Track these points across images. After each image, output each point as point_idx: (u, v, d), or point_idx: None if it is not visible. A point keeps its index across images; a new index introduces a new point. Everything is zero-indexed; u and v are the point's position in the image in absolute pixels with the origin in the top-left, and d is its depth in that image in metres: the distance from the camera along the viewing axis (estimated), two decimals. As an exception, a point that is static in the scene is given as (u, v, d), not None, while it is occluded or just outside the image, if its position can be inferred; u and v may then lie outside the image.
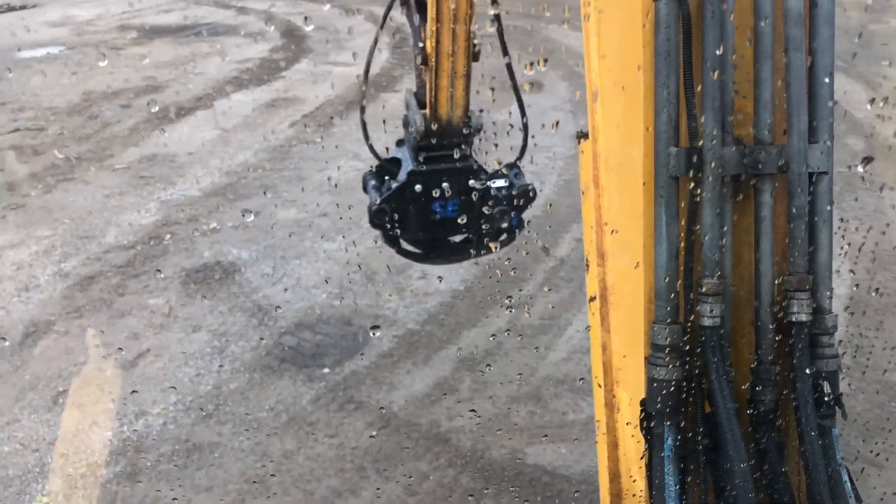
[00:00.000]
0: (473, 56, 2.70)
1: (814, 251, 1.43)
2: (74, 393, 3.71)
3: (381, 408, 3.60)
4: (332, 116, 7.05)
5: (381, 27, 3.01)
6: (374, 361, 3.95)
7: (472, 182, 2.84)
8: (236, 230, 5.18)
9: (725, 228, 1.40)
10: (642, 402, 1.46)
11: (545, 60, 8.69)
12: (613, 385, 1.57)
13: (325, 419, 3.55)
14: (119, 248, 4.96)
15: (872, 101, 7.37)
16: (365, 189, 3.00)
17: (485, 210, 2.87)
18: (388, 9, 2.97)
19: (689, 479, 1.45)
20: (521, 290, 4.52)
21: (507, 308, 4.35)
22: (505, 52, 2.73)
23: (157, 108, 7.39)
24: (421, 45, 2.73)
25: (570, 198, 5.56)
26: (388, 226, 2.82)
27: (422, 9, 2.75)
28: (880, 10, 10.12)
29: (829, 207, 1.43)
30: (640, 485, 1.53)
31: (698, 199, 1.38)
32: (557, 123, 6.19)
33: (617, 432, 1.59)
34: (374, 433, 3.45)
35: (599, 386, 1.59)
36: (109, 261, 4.82)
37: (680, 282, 1.40)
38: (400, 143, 3.08)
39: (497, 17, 2.67)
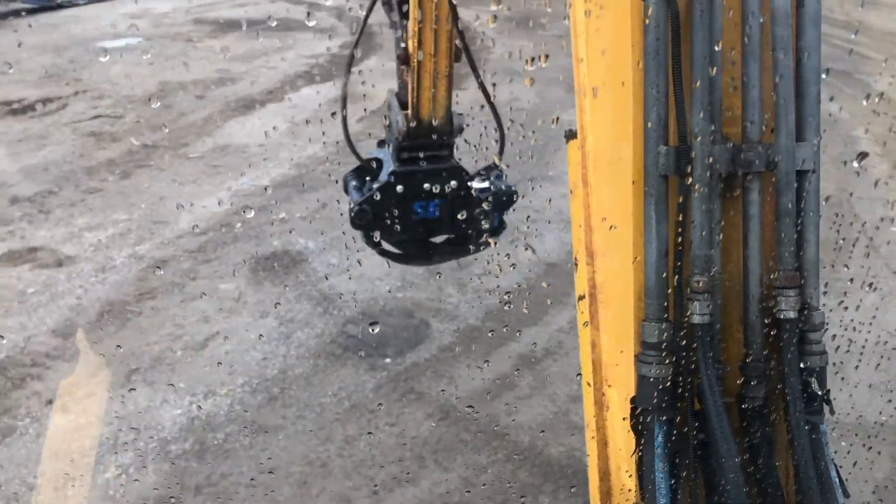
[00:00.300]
0: (455, 56, 2.71)
1: (802, 248, 1.45)
2: (146, 371, 3.85)
3: (441, 400, 3.65)
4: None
5: (363, 27, 3.00)
6: (435, 354, 4.00)
7: (453, 183, 2.84)
8: (304, 220, 5.30)
9: (715, 226, 1.41)
10: (633, 400, 1.47)
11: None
12: (603, 383, 1.58)
13: (386, 408, 3.61)
14: (191, 234, 5.11)
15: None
16: (346, 190, 3.01)
17: (467, 211, 2.87)
18: (370, 8, 2.96)
19: (680, 476, 1.46)
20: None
21: (574, 304, 4.36)
22: (475, 71, 2.74)
23: (229, 101, 7.59)
24: (403, 45, 2.75)
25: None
26: (370, 226, 2.83)
27: (403, 9, 2.76)
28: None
29: (816, 205, 1.45)
30: (631, 483, 1.54)
31: (688, 197, 1.40)
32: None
33: (607, 430, 1.59)
34: (433, 424, 3.50)
35: (589, 384, 1.60)
36: (182, 246, 4.97)
37: (670, 279, 1.42)
38: (381, 143, 3.10)
39: (461, 36, 2.67)
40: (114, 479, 3.23)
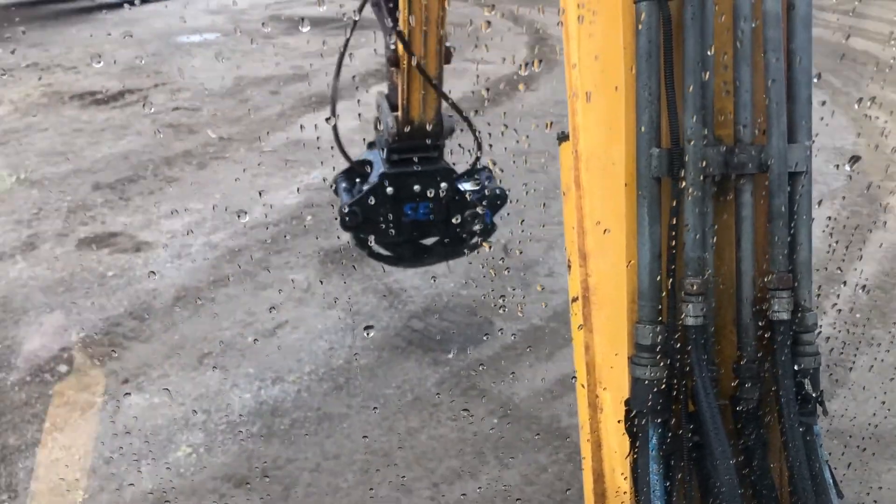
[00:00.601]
0: (445, 58, 2.69)
1: (794, 250, 1.44)
2: (218, 355, 3.98)
3: (503, 397, 3.68)
4: (471, 112, 7.18)
5: (353, 29, 2.99)
6: (498, 352, 4.02)
7: (443, 185, 2.82)
8: (372, 216, 5.38)
9: (708, 228, 1.41)
10: (627, 402, 1.47)
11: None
12: (597, 385, 1.58)
13: (448, 402, 3.65)
14: (264, 225, 5.25)
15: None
16: (336, 191, 3.02)
17: (457, 213, 2.85)
18: (361, 8, 2.96)
19: (674, 478, 1.46)
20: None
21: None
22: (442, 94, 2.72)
23: (302, 96, 7.74)
24: (392, 47, 2.74)
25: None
26: (360, 228, 2.82)
27: (393, 11, 2.75)
28: None
29: (808, 206, 1.44)
30: (625, 484, 1.54)
31: (681, 199, 1.39)
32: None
33: (601, 432, 1.60)
34: (495, 421, 3.53)
35: (583, 386, 1.60)
36: (254, 236, 5.11)
37: (663, 281, 1.42)
38: (371, 145, 3.10)
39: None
40: (184, 457, 3.35)
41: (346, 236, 5.10)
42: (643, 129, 1.39)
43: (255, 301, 4.41)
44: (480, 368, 3.88)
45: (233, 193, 5.73)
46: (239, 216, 5.29)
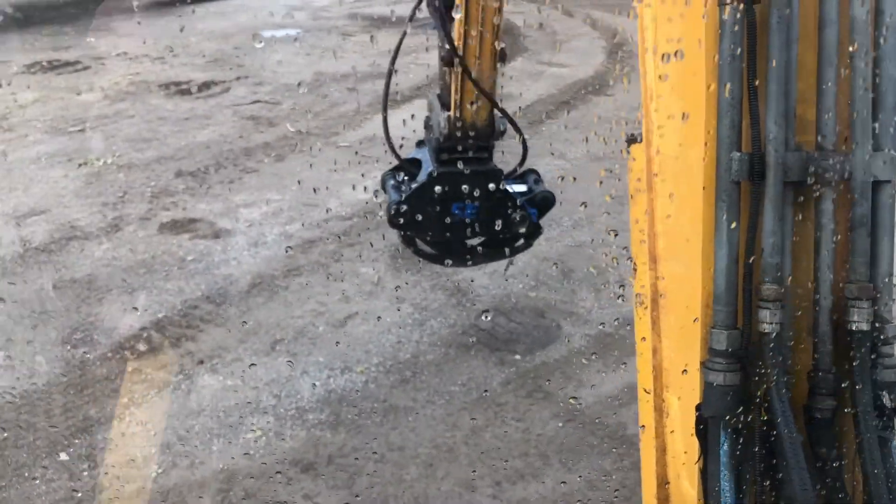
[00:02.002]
0: (500, 58, 2.66)
1: (875, 260, 1.41)
2: (290, 343, 4.07)
3: (570, 401, 3.67)
4: (543, 114, 7.17)
5: (405, 32, 2.99)
6: (565, 356, 4.01)
7: (491, 186, 2.80)
8: (444, 214, 5.42)
9: (786, 234, 1.39)
10: (698, 408, 1.45)
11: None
12: (664, 389, 1.56)
13: (514, 403, 3.66)
14: (338, 218, 5.34)
15: None
16: (384, 188, 3.03)
17: (505, 214, 2.82)
18: (416, 7, 2.95)
19: (745, 486, 1.43)
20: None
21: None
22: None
23: (379, 94, 7.84)
24: (446, 46, 2.72)
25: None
26: (407, 226, 2.82)
27: (448, 9, 2.74)
28: None
29: (891, 216, 1.41)
30: (690, 490, 1.51)
31: (760, 204, 1.37)
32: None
33: (666, 437, 1.57)
34: (559, 424, 3.53)
35: (646, 391, 1.58)
36: (329, 228, 5.21)
37: (739, 286, 1.39)
38: (420, 143, 3.10)
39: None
40: (254, 440, 3.44)
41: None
42: (724, 132, 1.39)
43: (327, 291, 4.50)
44: (547, 371, 3.88)
45: (309, 186, 5.84)
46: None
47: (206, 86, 8.15)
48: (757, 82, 1.36)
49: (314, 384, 3.76)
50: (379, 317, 4.27)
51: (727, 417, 1.43)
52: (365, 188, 5.82)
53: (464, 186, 2.82)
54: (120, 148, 6.53)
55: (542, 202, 2.89)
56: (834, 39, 1.37)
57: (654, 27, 1.45)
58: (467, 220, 2.88)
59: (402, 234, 2.94)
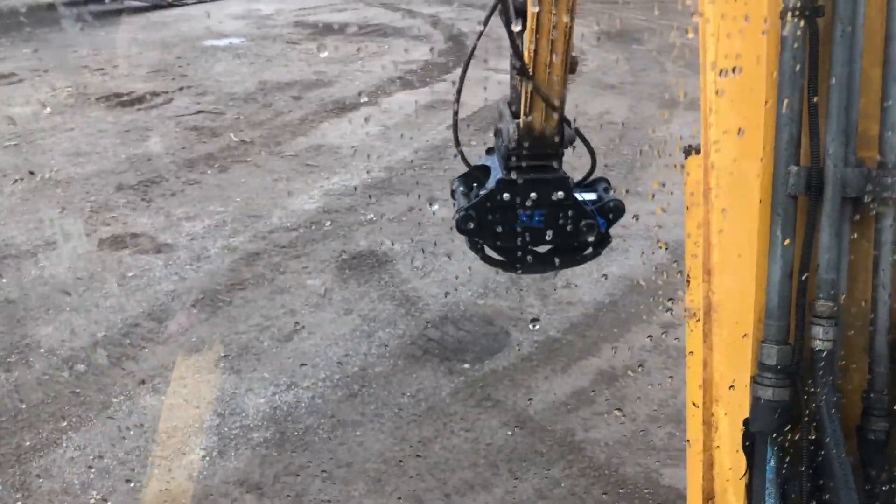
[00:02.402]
0: (571, 68, 2.68)
1: None
2: (234, 359, 3.99)
3: (518, 409, 3.66)
4: (490, 123, 7.16)
5: (478, 38, 3.00)
6: (514, 363, 4.00)
7: (560, 194, 2.83)
8: (391, 222, 5.38)
9: (843, 250, 1.38)
10: (746, 422, 1.45)
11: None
12: (713, 403, 1.56)
13: (463, 412, 3.64)
14: (283, 229, 5.27)
15: None
16: (453, 195, 3.05)
17: (573, 223, 2.85)
18: (489, 15, 2.97)
19: (790, 502, 1.43)
20: (669, 312, 4.45)
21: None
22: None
23: (324, 102, 7.77)
24: (519, 54, 2.74)
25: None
26: (474, 232, 2.85)
27: (521, 18, 2.76)
28: None
29: None
30: None
31: (816, 219, 1.37)
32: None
33: (713, 451, 1.57)
34: (509, 433, 3.51)
35: (695, 405, 1.58)
36: (273, 240, 5.13)
37: (793, 301, 1.39)
38: (490, 151, 3.11)
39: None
40: (198, 460, 3.35)
41: (365, 242, 5.12)
42: (783, 146, 1.37)
43: (272, 305, 4.42)
44: (496, 379, 3.86)
45: (253, 197, 5.76)
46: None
47: (147, 97, 7.99)
48: (817, 98, 1.35)
49: (260, 401, 3.69)
50: (326, 329, 4.22)
51: (775, 434, 1.42)
52: (310, 198, 5.76)
53: (532, 194, 2.82)
54: (58, 162, 6.35)
55: (612, 211, 2.90)
56: None
57: (714, 42, 1.43)
58: (535, 228, 2.88)
59: (469, 241, 2.95)
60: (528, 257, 3.07)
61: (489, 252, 3.06)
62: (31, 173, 6.13)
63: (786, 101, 1.35)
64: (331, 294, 4.53)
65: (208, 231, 5.24)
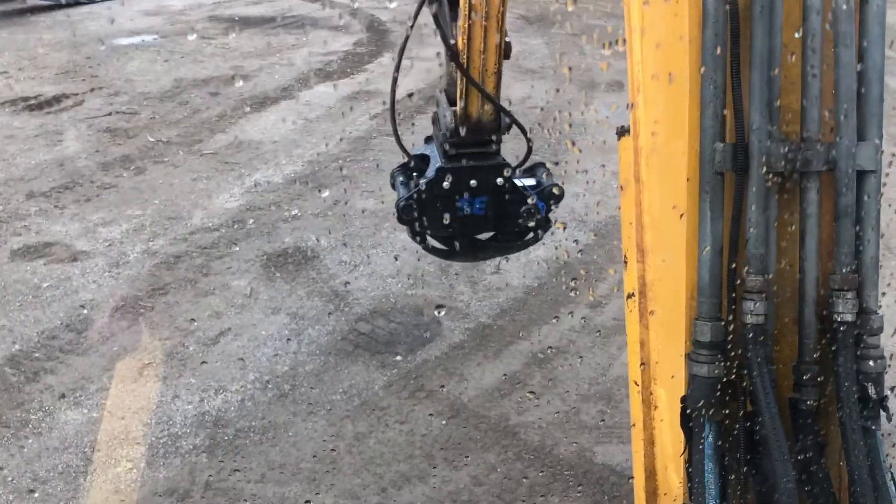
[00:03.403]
0: (504, 53, 2.69)
1: (860, 250, 1.42)
2: (158, 366, 3.87)
3: (451, 398, 3.65)
4: (413, 112, 7.13)
5: (412, 25, 2.99)
6: (446, 352, 3.99)
7: (499, 180, 2.84)
8: (316, 217, 5.30)
9: (771, 225, 1.39)
10: (683, 399, 1.46)
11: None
12: (651, 382, 1.57)
13: (396, 405, 3.61)
14: (204, 230, 5.13)
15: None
16: (393, 185, 3.03)
17: (513, 208, 2.86)
18: (420, 5, 2.96)
19: (729, 477, 1.45)
20: (595, 291, 4.51)
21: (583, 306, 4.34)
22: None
23: (243, 97, 7.61)
24: (451, 41, 2.74)
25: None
26: (416, 222, 2.84)
27: (453, 5, 2.76)
28: None
29: (876, 206, 1.42)
30: (677, 482, 1.53)
31: (744, 195, 1.37)
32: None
33: (654, 430, 1.59)
34: (443, 422, 3.50)
35: (636, 384, 1.59)
36: (195, 241, 4.99)
37: (724, 277, 1.40)
38: (429, 139, 3.11)
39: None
40: (125, 472, 3.25)
41: (290, 239, 5.03)
42: (707, 123, 1.36)
43: (197, 308, 4.31)
44: (428, 369, 3.84)
45: (172, 199, 5.59)
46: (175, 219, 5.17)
47: (56, 99, 7.68)
48: (741, 73, 1.33)
49: (187, 408, 3.59)
50: (253, 330, 4.13)
51: (711, 409, 1.41)
52: (232, 196, 5.63)
53: (472, 181, 2.78)
54: (-38, 172, 6.06)
55: (551, 195, 2.88)
56: (818, 28, 1.35)
57: (639, 18, 1.41)
58: (476, 215, 2.84)
59: (411, 231, 2.89)
60: (471, 245, 3.07)
61: (431, 241, 3.04)
62: (-66, 185, 5.84)
63: (709, 78, 1.35)
64: (257, 294, 4.45)
65: (126, 236, 5.08)
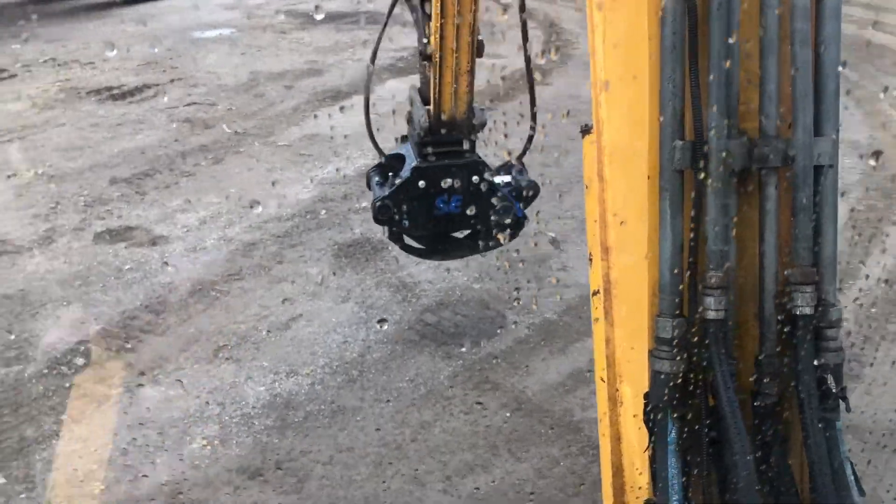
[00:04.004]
0: (477, 51, 2.69)
1: (818, 244, 1.43)
2: (233, 348, 4.00)
3: (516, 391, 3.68)
4: (482, 108, 7.16)
5: (386, 23, 3.00)
6: (511, 346, 4.03)
7: (475, 178, 2.83)
8: (386, 210, 5.39)
9: (730, 221, 1.40)
10: (646, 396, 1.47)
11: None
12: (617, 379, 1.58)
13: (461, 396, 3.66)
14: (278, 219, 5.27)
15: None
16: (368, 185, 3.04)
17: (490, 206, 2.85)
18: (393, 4, 2.97)
19: (693, 473, 1.45)
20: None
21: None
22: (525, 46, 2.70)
23: (316, 91, 7.76)
24: (424, 40, 2.74)
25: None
26: (393, 221, 2.84)
27: (426, 4, 2.76)
28: None
29: (834, 200, 1.42)
30: (644, 478, 1.53)
31: (703, 192, 1.38)
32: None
33: (620, 426, 1.59)
34: (507, 414, 3.54)
35: (602, 380, 1.60)
36: (269, 230, 5.13)
37: (684, 274, 1.41)
38: (404, 139, 3.11)
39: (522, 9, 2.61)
40: (199, 449, 3.37)
41: (360, 230, 5.13)
42: (666, 120, 1.38)
43: (270, 294, 4.44)
44: (493, 362, 3.88)
45: (248, 188, 5.76)
46: (252, 207, 5.33)
47: (139, 89, 7.96)
48: (698, 69, 1.36)
49: (259, 389, 3.71)
50: (324, 317, 4.23)
51: (673, 405, 1.44)
52: (305, 187, 5.76)
53: (447, 179, 2.82)
54: (50, 157, 6.34)
55: (526, 192, 2.90)
56: (775, 25, 1.37)
57: (600, 17, 1.45)
58: (452, 213, 2.88)
59: (388, 230, 2.93)
60: (447, 243, 3.08)
61: (408, 240, 3.06)
62: (27, 170, 6.13)
63: (668, 77, 1.36)
64: (328, 282, 4.55)
65: (204, 222, 5.25)
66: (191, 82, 8.14)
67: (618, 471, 1.63)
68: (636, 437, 1.55)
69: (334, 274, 4.64)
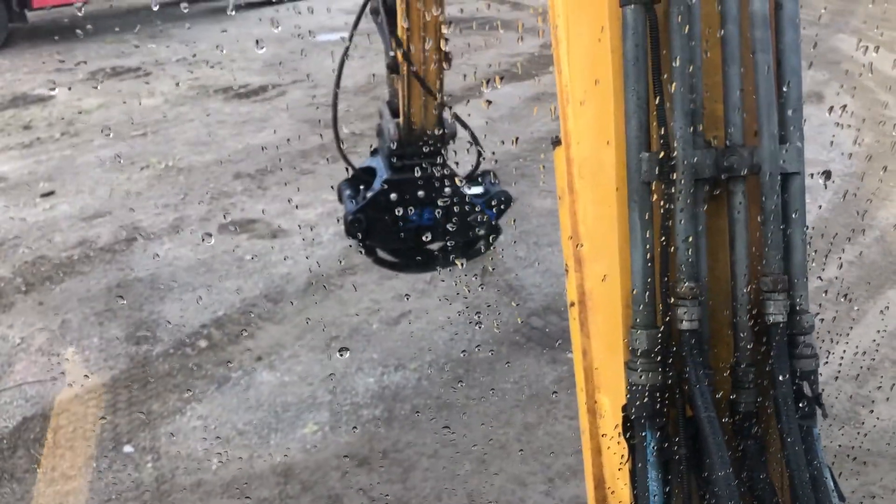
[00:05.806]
0: (445, 60, 2.63)
1: (788, 252, 1.41)
2: (345, 340, 4.14)
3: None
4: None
5: (351, 36, 2.98)
6: (618, 354, 4.00)
7: (447, 190, 2.77)
8: (496, 213, 5.44)
9: (700, 231, 1.39)
10: (623, 408, 1.44)
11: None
12: (595, 391, 1.55)
13: (566, 401, 3.67)
14: (391, 218, 5.41)
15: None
16: (340, 199, 3.01)
17: (462, 217, 2.79)
18: (359, 17, 2.93)
19: (672, 484, 1.42)
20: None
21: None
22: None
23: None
24: (391, 53, 2.70)
25: (845, 216, 5.23)
26: (364, 235, 2.80)
27: (392, 17, 2.71)
28: None
29: (802, 208, 1.41)
30: (625, 490, 1.50)
31: (671, 203, 1.37)
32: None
33: (600, 438, 1.57)
34: (612, 422, 3.52)
35: (582, 391, 1.58)
36: (382, 228, 5.28)
37: (656, 286, 1.38)
38: (375, 152, 3.07)
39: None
40: (310, 434, 3.51)
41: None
42: (632, 133, 1.40)
43: (381, 290, 4.56)
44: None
45: (362, 186, 5.93)
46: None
47: (262, 89, 8.32)
48: (662, 82, 1.38)
49: (369, 381, 3.83)
50: (432, 315, 4.32)
51: (651, 417, 1.44)
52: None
53: (419, 192, 2.82)
54: (180, 151, 6.72)
55: (499, 202, 2.89)
56: (736, 35, 1.38)
57: (564, 30, 1.48)
58: (425, 225, 2.88)
59: (361, 244, 2.93)
60: (421, 255, 3.05)
61: (381, 254, 3.03)
62: (158, 162, 6.51)
63: (632, 89, 1.37)
64: (437, 281, 4.64)
65: (321, 218, 5.44)
66: (311, 83, 8.43)
67: (599, 483, 1.63)
68: (616, 449, 1.55)
69: (443, 274, 4.73)
